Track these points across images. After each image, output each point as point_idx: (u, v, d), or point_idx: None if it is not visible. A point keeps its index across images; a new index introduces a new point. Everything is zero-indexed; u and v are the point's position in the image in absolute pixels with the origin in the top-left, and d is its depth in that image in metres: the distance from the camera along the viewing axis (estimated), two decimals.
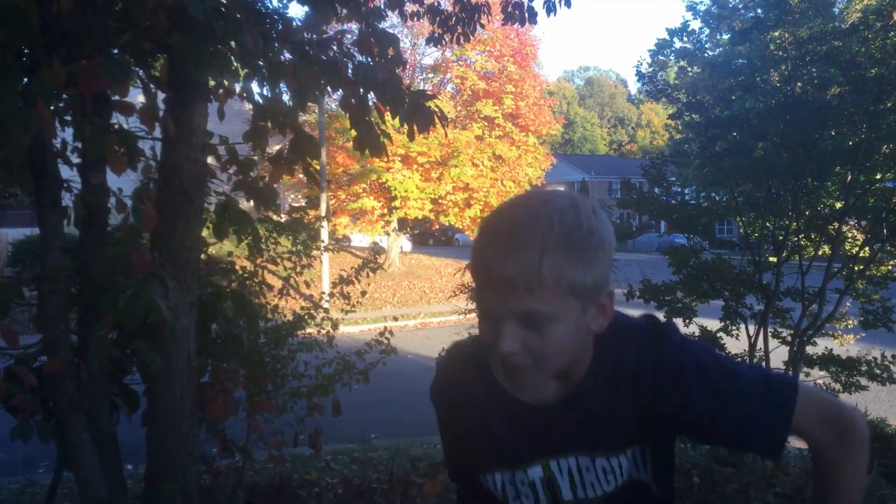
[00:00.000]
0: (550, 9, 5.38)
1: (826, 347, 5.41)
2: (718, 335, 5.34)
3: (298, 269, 4.69)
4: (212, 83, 2.86)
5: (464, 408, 1.24)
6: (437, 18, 5.68)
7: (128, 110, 2.16)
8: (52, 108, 2.38)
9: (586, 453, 1.18)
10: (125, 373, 2.75)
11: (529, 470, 1.21)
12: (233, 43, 2.39)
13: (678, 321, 5.41)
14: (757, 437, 1.11)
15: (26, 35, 1.91)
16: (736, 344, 5.31)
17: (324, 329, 4.63)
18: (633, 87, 79.57)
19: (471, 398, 1.23)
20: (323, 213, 10.79)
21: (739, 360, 5.42)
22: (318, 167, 3.63)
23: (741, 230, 5.56)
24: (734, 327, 5.47)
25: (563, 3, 5.31)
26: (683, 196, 6.08)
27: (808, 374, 5.37)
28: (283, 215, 4.88)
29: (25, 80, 2.14)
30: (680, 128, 7.45)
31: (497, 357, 1.05)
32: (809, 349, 5.20)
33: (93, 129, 2.05)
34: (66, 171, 2.58)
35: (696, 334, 5.38)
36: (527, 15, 5.53)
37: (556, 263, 0.96)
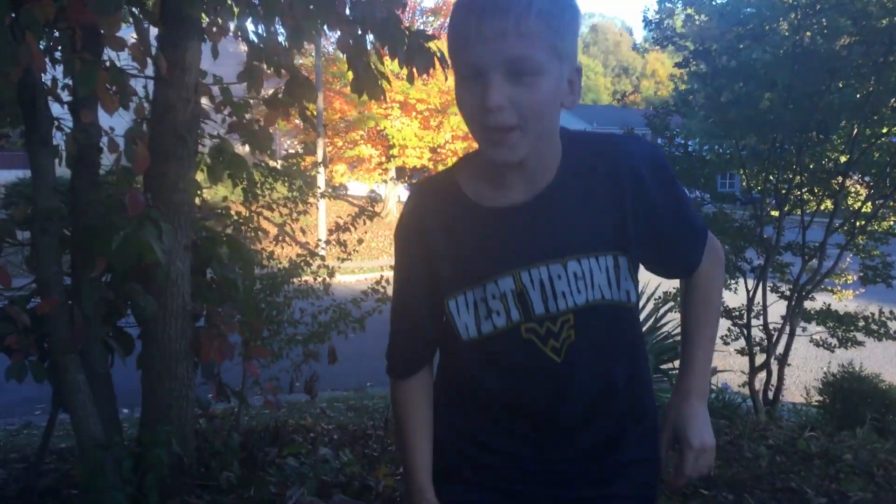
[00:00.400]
0: None
1: (824, 302, 5.42)
2: None
3: (294, 215, 4.64)
4: (205, 20, 2.78)
5: (434, 231, 1.21)
6: None
7: (118, 45, 2.09)
8: (41, 42, 2.30)
9: (556, 260, 1.15)
10: (120, 315, 2.73)
11: (500, 281, 1.17)
12: None
13: None
14: (688, 251, 1.28)
15: None
16: (734, 298, 5.32)
17: (320, 277, 4.60)
18: (639, 35, 78.39)
19: (441, 220, 1.21)
20: (320, 160, 10.70)
21: (736, 313, 5.44)
22: (314, 111, 3.56)
23: (744, 183, 5.51)
24: (733, 282, 5.47)
25: None
26: (686, 147, 6.00)
27: (805, 329, 5.39)
28: (279, 161, 4.81)
29: (13, 13, 2.07)
30: (685, 78, 7.32)
31: (481, 129, 1.07)
32: (808, 304, 5.21)
33: (83, 64, 1.98)
34: (56, 110, 2.51)
35: None
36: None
37: (543, 11, 1.01)
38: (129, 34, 2.64)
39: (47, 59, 2.37)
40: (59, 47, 2.53)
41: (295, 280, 4.38)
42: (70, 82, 2.51)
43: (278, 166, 4.64)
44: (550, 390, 1.19)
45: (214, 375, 2.79)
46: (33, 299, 2.51)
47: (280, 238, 4.59)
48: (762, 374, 5.28)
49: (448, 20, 1.12)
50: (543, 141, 1.11)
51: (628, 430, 1.26)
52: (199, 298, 2.85)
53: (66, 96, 2.62)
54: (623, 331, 1.22)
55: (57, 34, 2.48)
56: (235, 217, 3.91)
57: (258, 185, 4.18)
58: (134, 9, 2.63)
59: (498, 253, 1.17)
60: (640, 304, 1.60)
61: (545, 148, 1.14)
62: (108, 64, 2.24)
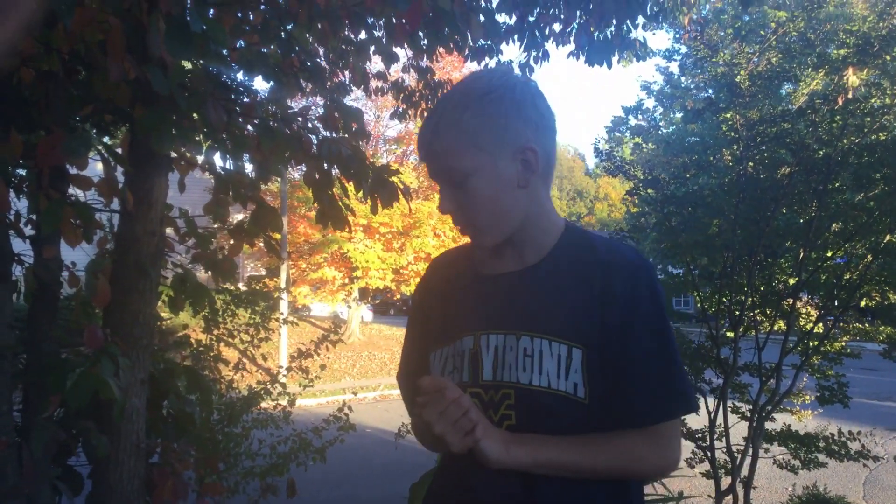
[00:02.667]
0: None
1: (784, 423, 5.44)
2: None
3: (256, 341, 4.60)
4: (174, 154, 2.84)
5: (435, 294, 1.33)
6: (401, 94, 5.80)
7: (86, 184, 2.12)
8: (7, 180, 2.32)
9: (512, 331, 1.18)
10: (69, 454, 2.62)
11: (465, 339, 1.21)
12: (195, 115, 2.38)
13: None
14: (637, 398, 1.15)
15: None
16: (696, 420, 5.31)
17: (280, 404, 4.52)
18: (591, 161, 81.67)
19: (444, 285, 1.33)
20: (283, 284, 10.69)
21: (699, 434, 5.42)
22: (279, 237, 3.60)
23: (698, 304, 5.63)
24: None
25: None
26: None
27: (767, 450, 5.38)
28: (241, 285, 4.81)
29: None
30: (636, 202, 7.62)
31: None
32: (768, 425, 5.22)
33: (48, 202, 2.00)
34: (17, 244, 2.50)
35: None
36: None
37: (449, 122, 1.13)
38: (94, 164, 2.68)
39: (11, 193, 2.40)
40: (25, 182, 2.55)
41: (254, 408, 4.29)
42: (34, 217, 2.52)
43: (241, 289, 4.63)
44: (475, 467, 1.14)
45: None
46: None
47: (240, 365, 4.52)
48: (728, 498, 5.21)
49: None
50: (519, 222, 1.20)
51: None
52: (154, 433, 2.76)
53: (28, 231, 2.62)
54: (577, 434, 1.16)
55: (23, 169, 2.52)
56: (195, 345, 3.86)
57: (220, 313, 4.15)
58: (101, 149, 2.68)
59: (472, 313, 1.23)
60: None
61: (532, 227, 1.22)
62: (73, 199, 2.27)
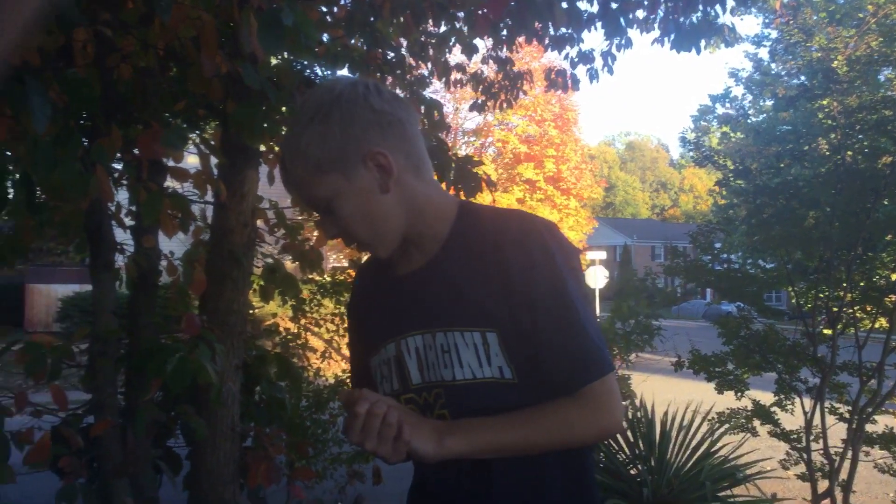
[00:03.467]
0: (593, 76, 5.43)
1: (886, 425, 5.17)
2: (772, 409, 5.14)
3: (342, 331, 4.68)
4: (263, 148, 2.93)
5: (362, 302, 1.32)
6: (481, 86, 5.79)
7: (182, 176, 2.20)
8: (108, 172, 2.45)
9: (427, 330, 1.15)
10: (169, 436, 2.74)
11: (388, 347, 1.20)
12: (284, 109, 2.45)
13: (730, 394, 5.24)
14: (554, 366, 1.12)
15: (88, 102, 1.97)
16: (791, 420, 5.11)
17: None
18: (675, 151, 79.60)
19: (367, 292, 1.31)
20: None
21: (794, 436, 5.22)
22: None
23: (793, 300, 5.42)
24: (789, 402, 5.27)
25: (606, 69, 5.37)
26: (730, 263, 5.96)
27: (867, 454, 5.12)
28: (325, 276, 4.90)
29: (85, 144, 2.21)
30: (724, 194, 7.37)
31: None
32: (869, 427, 4.97)
33: (148, 193, 2.09)
34: (119, 234, 2.63)
35: (749, 408, 5.19)
36: (570, 82, 5.59)
37: (293, 153, 1.11)
38: (187, 157, 2.78)
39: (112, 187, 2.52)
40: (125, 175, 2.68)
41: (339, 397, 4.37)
42: (133, 208, 2.64)
43: (326, 279, 4.73)
44: (438, 463, 1.12)
45: (260, 499, 2.75)
46: (86, 419, 2.54)
47: (327, 354, 4.62)
48: (826, 502, 4.99)
49: None
50: (402, 224, 1.16)
51: None
52: (247, 418, 2.85)
53: (128, 221, 2.75)
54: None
55: (123, 162, 2.64)
56: (284, 334, 3.97)
57: (307, 302, 4.25)
58: (197, 141, 2.78)
59: (391, 319, 1.21)
60: (689, 421, 1.41)
61: (418, 223, 1.17)
62: (170, 191, 2.36)
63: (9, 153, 2.42)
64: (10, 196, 2.12)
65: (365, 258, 1.43)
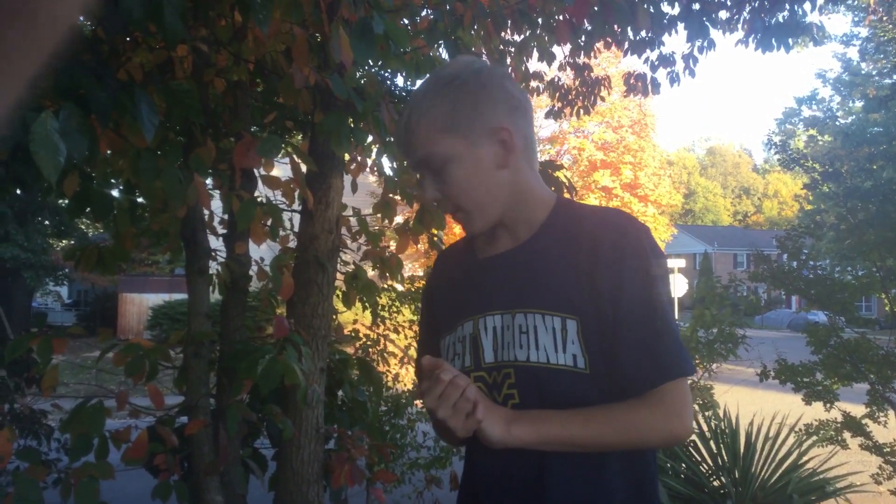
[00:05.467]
0: (674, 80, 5.33)
1: None
2: (863, 421, 4.92)
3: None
4: (346, 158, 3.00)
5: (441, 285, 1.36)
6: (557, 93, 5.76)
7: (274, 184, 2.28)
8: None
9: (507, 310, 1.17)
10: (256, 436, 2.83)
11: (465, 325, 1.22)
12: (368, 119, 2.50)
13: (818, 405, 5.04)
14: (632, 364, 1.12)
15: (192, 114, 2.06)
16: (883, 432, 4.88)
17: None
18: (759, 156, 77.06)
19: (448, 275, 1.35)
20: None
21: (887, 448, 4.98)
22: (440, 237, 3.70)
23: (886, 307, 5.17)
24: (881, 413, 5.03)
25: (687, 72, 5.26)
26: (817, 270, 5.74)
27: None
28: (398, 285, 4.97)
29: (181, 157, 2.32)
30: (811, 198, 7.10)
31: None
32: None
33: (241, 202, 2.18)
34: (212, 241, 2.74)
35: (839, 420, 4.99)
36: (650, 86, 5.50)
37: (421, 110, 1.16)
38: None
39: None
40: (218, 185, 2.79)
41: (418, 402, 4.41)
42: (225, 216, 2.74)
43: (402, 289, 4.79)
44: (491, 452, 1.13)
45: (342, 500, 2.80)
46: (179, 419, 2.65)
47: (405, 360, 4.67)
48: None
49: None
50: (505, 203, 1.20)
51: None
52: (330, 420, 2.92)
53: (220, 229, 2.86)
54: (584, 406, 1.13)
55: (215, 172, 2.75)
56: (364, 339, 4.04)
57: (385, 309, 4.31)
58: (290, 149, 2.87)
59: (472, 298, 1.24)
60: (775, 432, 1.39)
61: (520, 206, 1.21)
62: (260, 199, 2.45)
63: (108, 169, 2.56)
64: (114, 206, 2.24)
65: (445, 247, 1.49)
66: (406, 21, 3.06)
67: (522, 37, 3.62)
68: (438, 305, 1.34)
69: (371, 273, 3.45)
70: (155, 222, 2.65)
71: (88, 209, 2.13)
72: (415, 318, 4.86)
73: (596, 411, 1.12)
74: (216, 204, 2.63)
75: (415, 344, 4.78)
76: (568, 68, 5.42)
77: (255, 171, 2.54)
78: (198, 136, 2.25)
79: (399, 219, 3.32)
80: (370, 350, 4.16)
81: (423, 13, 3.10)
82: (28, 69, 0.31)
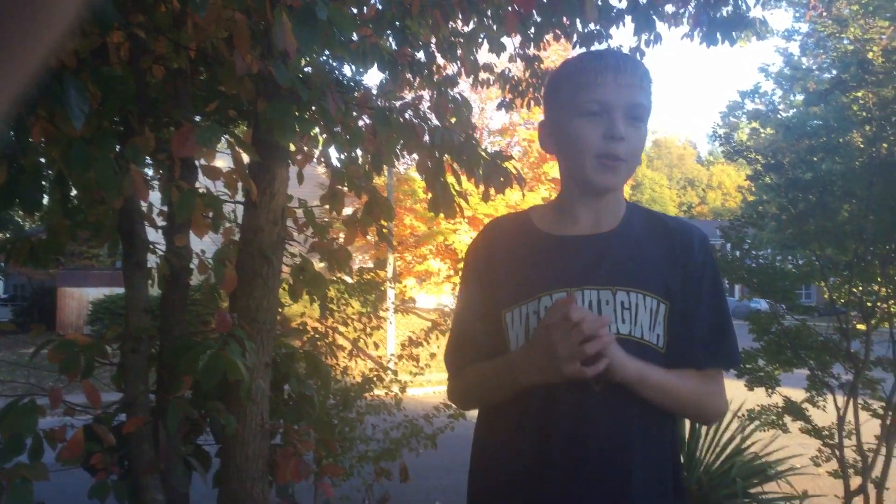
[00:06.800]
0: None
1: None
2: (804, 406, 5.06)
3: (368, 330, 4.69)
4: (292, 148, 2.93)
5: (499, 254, 1.38)
6: (508, 85, 5.76)
7: (214, 174, 2.22)
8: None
9: (608, 287, 1.26)
10: (199, 433, 2.76)
11: (555, 295, 1.26)
12: (313, 108, 2.45)
13: (760, 391, 5.17)
14: (707, 345, 1.31)
15: (126, 102, 1.99)
16: (822, 416, 5.02)
17: (392, 391, 4.59)
18: (704, 148, 78.70)
19: (507, 246, 1.38)
20: (390, 275, 10.90)
21: (826, 432, 5.14)
22: (390, 228, 3.66)
23: (825, 295, 5.32)
24: (820, 398, 5.18)
25: None
26: (759, 259, 5.87)
27: None
28: (348, 277, 4.92)
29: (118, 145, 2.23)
30: (754, 189, 7.25)
31: (596, 157, 1.26)
32: None
33: (181, 193, 2.11)
34: (151, 234, 2.65)
35: (780, 405, 5.12)
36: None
37: (649, 77, 1.29)
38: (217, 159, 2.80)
39: None
40: (157, 175, 2.71)
41: (367, 395, 4.38)
42: (164, 208, 2.66)
43: (352, 281, 4.74)
44: (579, 416, 1.23)
45: (289, 496, 2.76)
46: (118, 417, 2.57)
47: (354, 353, 4.63)
48: (858, 499, 4.90)
49: (564, 72, 1.36)
50: (630, 175, 1.34)
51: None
52: (276, 415, 2.87)
53: (159, 221, 2.77)
54: None
55: (154, 162, 2.67)
56: (312, 333, 3.98)
57: (334, 301, 4.26)
58: (230, 139, 2.80)
59: (557, 272, 1.30)
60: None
61: (618, 194, 1.35)
62: (201, 190, 2.38)
63: (42, 160, 2.46)
64: (46, 198, 2.15)
65: (490, 221, 1.52)
66: (354, 10, 3.01)
67: (471, 27, 3.60)
68: (502, 275, 1.35)
69: (319, 265, 3.40)
70: (91, 214, 2.55)
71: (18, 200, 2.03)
72: (364, 310, 4.81)
73: (680, 373, 1.28)
74: (156, 195, 2.55)
75: (364, 336, 4.74)
76: (518, 60, 5.42)
77: (197, 161, 2.47)
78: (134, 124, 2.17)
79: (348, 210, 3.28)
80: (318, 343, 4.11)
81: (371, 1, 3.05)
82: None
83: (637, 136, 1.27)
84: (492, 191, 2.81)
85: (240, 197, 2.66)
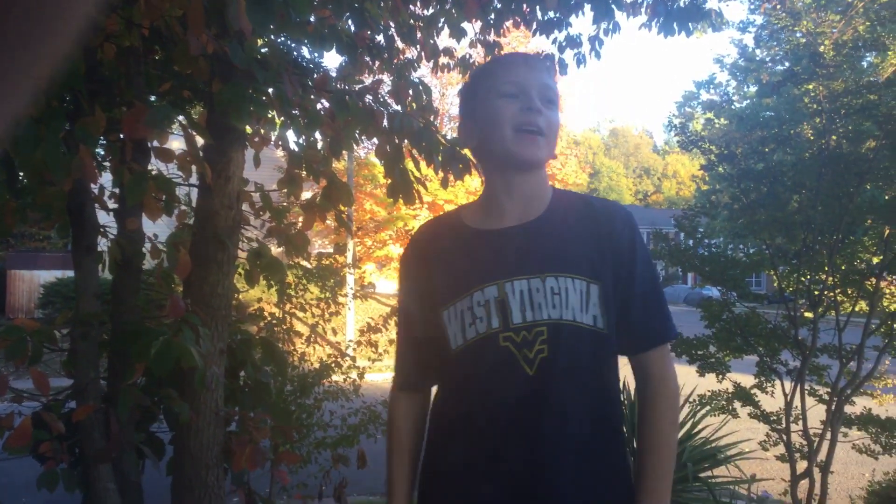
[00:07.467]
0: (581, 61, 5.40)
1: (865, 407, 5.24)
2: (753, 391, 5.19)
3: (326, 316, 4.67)
4: (248, 131, 2.88)
5: (433, 253, 1.41)
6: (468, 70, 5.74)
7: (167, 157, 2.17)
8: (91, 154, 2.40)
9: (537, 275, 1.29)
10: (152, 420, 2.71)
11: (486, 289, 1.30)
12: (270, 91, 2.41)
13: (711, 376, 5.29)
14: (649, 321, 1.37)
15: (72, 81, 1.92)
16: (771, 401, 5.16)
17: (350, 377, 4.58)
18: (659, 138, 79.74)
19: (440, 244, 1.42)
20: (350, 260, 10.83)
21: (773, 417, 5.28)
22: (350, 214, 3.62)
23: (775, 284, 5.45)
24: (769, 384, 5.32)
25: (593, 54, 5.34)
26: (711, 248, 5.98)
27: (846, 434, 5.19)
28: (307, 262, 4.87)
29: (67, 125, 2.16)
30: (707, 179, 7.38)
31: (516, 132, 1.32)
32: (848, 408, 5.03)
33: (132, 175, 2.06)
34: (102, 217, 2.59)
35: (730, 390, 5.24)
36: (557, 67, 5.56)
37: (538, 57, 1.42)
38: (171, 142, 2.74)
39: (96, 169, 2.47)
40: (108, 157, 2.64)
41: (325, 381, 4.36)
42: (116, 190, 2.59)
43: (310, 266, 4.70)
44: (525, 404, 1.26)
45: (244, 483, 2.73)
46: (68, 403, 2.51)
47: (312, 339, 4.59)
48: (805, 482, 5.06)
49: (478, 72, 1.46)
50: (544, 166, 1.39)
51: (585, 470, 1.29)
52: (232, 402, 2.83)
53: (111, 204, 2.70)
54: (597, 362, 1.31)
55: (106, 143, 2.59)
56: (269, 318, 3.94)
57: (292, 287, 4.22)
58: (183, 121, 2.74)
59: (486, 265, 1.33)
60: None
61: (541, 180, 1.39)
62: (154, 172, 2.32)
63: None
64: None
65: (421, 225, 1.57)
66: None
67: (431, 11, 3.57)
68: (435, 276, 1.38)
69: (277, 251, 3.36)
70: (40, 196, 2.48)
71: None
72: (323, 296, 4.77)
73: (662, 439, 1.34)
74: (107, 177, 2.49)
75: (322, 322, 4.71)
76: (479, 45, 5.40)
77: (150, 143, 2.41)
78: (84, 104, 2.11)
79: (307, 194, 3.24)
80: (275, 329, 4.07)
81: None
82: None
83: (551, 116, 1.33)
84: (451, 177, 2.80)
85: (194, 180, 2.61)
